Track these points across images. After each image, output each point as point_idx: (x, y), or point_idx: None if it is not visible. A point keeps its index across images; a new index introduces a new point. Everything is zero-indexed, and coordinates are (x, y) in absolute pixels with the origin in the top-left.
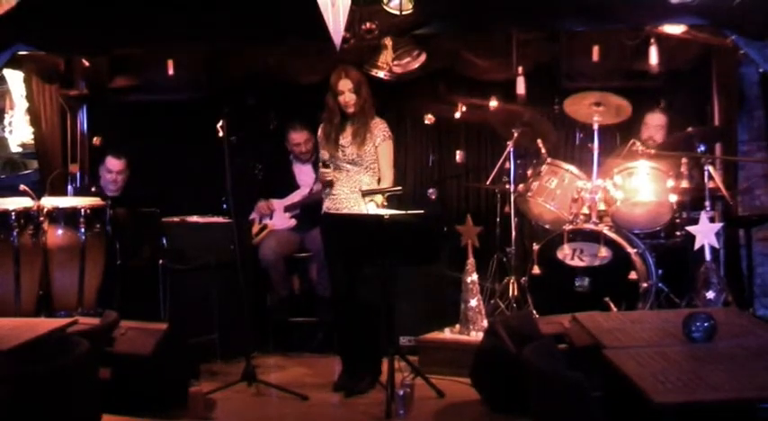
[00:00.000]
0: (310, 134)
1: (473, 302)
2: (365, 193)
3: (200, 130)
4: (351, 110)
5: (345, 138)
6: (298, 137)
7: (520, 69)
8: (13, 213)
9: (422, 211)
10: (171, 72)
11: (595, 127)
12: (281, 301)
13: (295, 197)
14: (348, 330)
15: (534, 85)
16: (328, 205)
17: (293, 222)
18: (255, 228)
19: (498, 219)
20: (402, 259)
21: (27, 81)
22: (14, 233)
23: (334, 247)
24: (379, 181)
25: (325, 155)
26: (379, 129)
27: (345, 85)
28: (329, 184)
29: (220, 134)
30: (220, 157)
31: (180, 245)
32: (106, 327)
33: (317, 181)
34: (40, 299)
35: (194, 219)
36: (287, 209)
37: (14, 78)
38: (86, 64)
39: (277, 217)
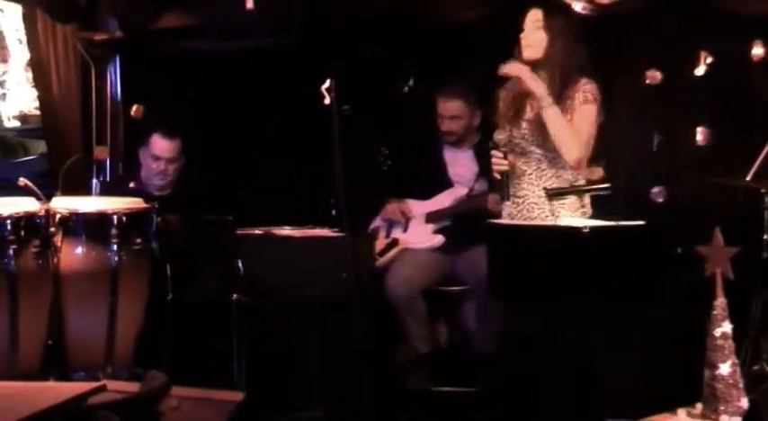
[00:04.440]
0: (466, 106)
1: (725, 368)
2: (552, 194)
3: (293, 96)
4: (526, 53)
5: (533, 111)
6: (444, 108)
7: None
8: (8, 221)
9: (641, 222)
10: (249, 5)
11: None
12: (418, 360)
13: (444, 200)
14: (524, 406)
15: None
16: (509, 210)
17: (440, 239)
18: (380, 244)
19: (766, 237)
20: (609, 296)
21: (29, 19)
22: (10, 251)
23: (505, 277)
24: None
25: (500, 133)
26: (581, 91)
27: (533, 18)
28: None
29: (326, 101)
30: (326, 137)
31: (263, 271)
32: (150, 397)
33: (480, 177)
34: (47, 351)
35: (285, 231)
36: (430, 217)
37: (10, 15)
38: None
39: (415, 229)
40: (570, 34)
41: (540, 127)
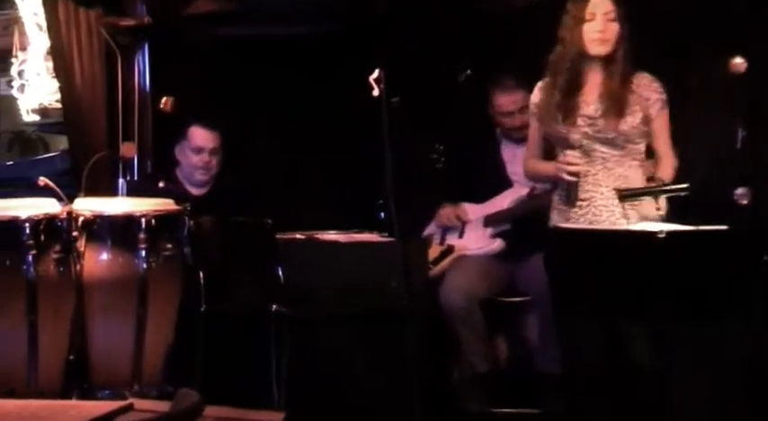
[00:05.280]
0: (528, 96)
1: None
2: (624, 195)
3: (338, 87)
4: (600, 49)
5: (591, 105)
6: (506, 100)
7: None
8: (26, 225)
9: (724, 227)
10: None
11: None
12: (475, 378)
13: (503, 201)
14: None
15: None
16: (568, 215)
17: (499, 243)
18: (435, 251)
19: None
20: (687, 308)
21: (50, 3)
22: (29, 257)
23: (573, 288)
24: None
25: (575, 132)
26: (653, 90)
27: (603, 9)
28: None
29: (374, 93)
30: (373, 133)
31: (306, 279)
32: (181, 417)
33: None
34: (69, 367)
35: (330, 235)
36: (488, 221)
37: None
38: None
39: (471, 234)
40: (628, 21)
41: (606, 122)
